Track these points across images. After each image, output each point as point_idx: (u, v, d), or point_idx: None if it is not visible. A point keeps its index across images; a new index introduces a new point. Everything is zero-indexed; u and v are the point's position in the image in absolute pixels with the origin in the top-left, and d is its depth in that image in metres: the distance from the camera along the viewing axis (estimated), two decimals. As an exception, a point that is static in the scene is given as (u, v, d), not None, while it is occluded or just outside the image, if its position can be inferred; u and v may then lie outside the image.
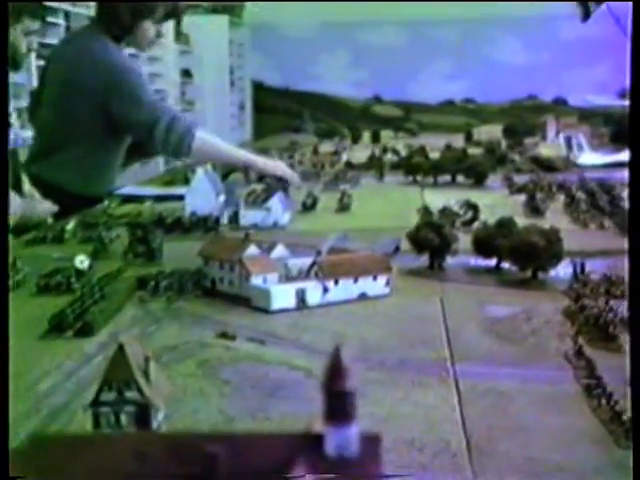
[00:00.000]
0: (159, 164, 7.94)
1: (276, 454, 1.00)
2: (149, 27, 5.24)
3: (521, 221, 3.53)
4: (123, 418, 1.31)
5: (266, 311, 2.77)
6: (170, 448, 1.01)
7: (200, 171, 4.43)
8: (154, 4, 5.07)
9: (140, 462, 1.00)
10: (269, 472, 0.98)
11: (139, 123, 4.85)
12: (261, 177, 5.48)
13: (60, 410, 2.03)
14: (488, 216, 3.79)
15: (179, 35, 10.98)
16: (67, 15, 8.91)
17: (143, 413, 1.31)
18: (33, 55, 5.95)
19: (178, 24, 10.54)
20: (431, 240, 3.31)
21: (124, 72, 4.98)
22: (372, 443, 1.02)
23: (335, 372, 1.03)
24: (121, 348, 1.36)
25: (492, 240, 3.30)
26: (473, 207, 4.05)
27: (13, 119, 5.21)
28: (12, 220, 4.64)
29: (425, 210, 3.89)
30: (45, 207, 4.87)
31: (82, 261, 3.20)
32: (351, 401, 1.03)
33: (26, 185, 5.04)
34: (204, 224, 4.09)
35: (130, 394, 1.33)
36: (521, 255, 3.14)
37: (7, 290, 1.16)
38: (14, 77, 5.41)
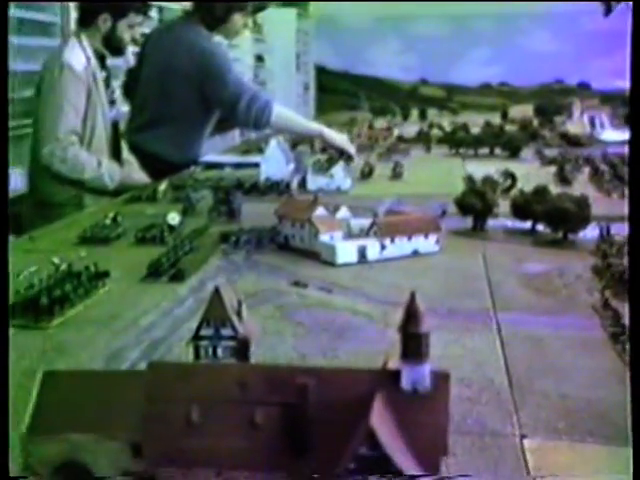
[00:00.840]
0: (235, 136, 7.93)
1: (358, 387, 0.99)
2: (239, 19, 5.32)
3: (552, 189, 3.48)
4: (219, 352, 1.32)
5: (332, 264, 2.77)
6: (267, 379, 1.02)
7: (273, 142, 4.42)
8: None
9: (241, 390, 1.00)
10: (352, 403, 0.98)
11: (225, 100, 4.94)
12: (324, 148, 5.49)
13: (159, 343, 2.05)
14: (524, 184, 3.75)
15: (254, 25, 11.05)
16: (160, 10, 8.96)
17: (237, 348, 1.31)
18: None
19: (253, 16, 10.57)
20: (475, 205, 3.29)
21: (215, 57, 5.09)
22: (442, 380, 1.02)
23: (411, 316, 1.03)
24: (217, 291, 1.36)
25: (528, 205, 3.27)
26: (511, 176, 4.01)
27: (116, 95, 5.24)
28: (111, 184, 4.69)
29: (469, 179, 3.84)
30: (140, 176, 4.92)
31: (174, 218, 3.21)
32: (425, 342, 1.02)
33: (124, 152, 5.08)
34: (277, 188, 4.08)
35: (225, 331, 1.33)
36: (554, 219, 3.12)
37: (7, 289, 1.11)
38: (115, 61, 5.47)
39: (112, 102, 5.07)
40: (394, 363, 1.05)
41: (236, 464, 0.96)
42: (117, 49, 5.07)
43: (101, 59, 4.99)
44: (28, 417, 1.29)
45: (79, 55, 4.77)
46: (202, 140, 5.59)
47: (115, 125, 5.10)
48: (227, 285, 1.40)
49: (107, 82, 5.04)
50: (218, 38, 5.59)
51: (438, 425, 0.98)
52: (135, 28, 5.07)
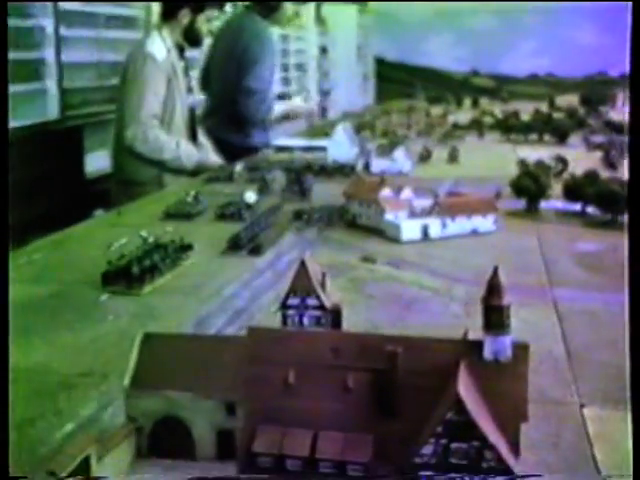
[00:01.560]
0: (302, 121, 7.93)
1: (443, 356, 0.98)
2: (288, 8, 5.49)
3: (600, 174, 3.43)
4: (305, 320, 1.31)
5: (397, 241, 2.75)
6: (358, 345, 1.01)
7: (340, 127, 4.39)
8: None
9: (335, 355, 0.99)
10: (438, 371, 0.96)
11: (242, 85, 5.45)
12: (385, 132, 5.47)
13: (241, 311, 2.05)
14: (573, 168, 3.70)
15: (319, 20, 11.05)
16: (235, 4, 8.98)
17: (330, 316, 1.30)
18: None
19: (318, 11, 10.62)
20: (529, 187, 3.25)
21: (258, 44, 5.32)
22: (522, 350, 1.00)
23: (493, 289, 1.01)
24: (303, 263, 1.35)
25: (579, 188, 3.22)
26: (563, 160, 3.95)
27: (193, 84, 5.28)
28: (189, 164, 4.73)
29: (523, 163, 3.79)
30: (215, 159, 4.96)
31: (250, 196, 3.21)
32: (506, 314, 1.00)
33: (200, 136, 5.13)
34: (343, 170, 4.06)
35: (311, 301, 1.32)
36: (604, 201, 3.06)
37: (7, 288, 1.08)
38: (192, 52, 5.56)
39: (189, 90, 5.10)
40: (474, 334, 1.04)
41: (329, 425, 0.95)
42: (195, 41, 5.10)
43: (180, 50, 5.01)
44: (129, 373, 1.30)
45: (160, 46, 4.81)
46: (259, 124, 5.71)
47: (192, 111, 5.13)
48: (312, 258, 1.39)
49: (185, 71, 5.06)
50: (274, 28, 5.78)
51: (518, 393, 0.96)
52: (212, 21, 5.12)
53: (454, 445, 0.91)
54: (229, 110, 5.51)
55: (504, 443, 0.89)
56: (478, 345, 0.99)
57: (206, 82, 5.76)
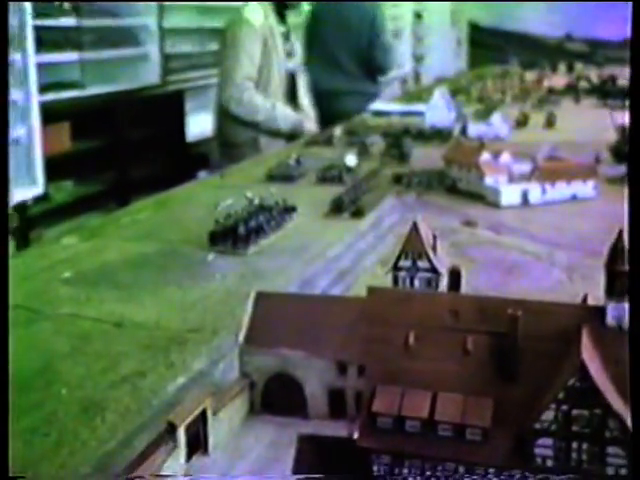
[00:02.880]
0: (396, 87, 7.88)
1: (564, 321, 0.95)
2: None
3: None
4: (416, 282, 1.29)
5: (497, 206, 2.70)
6: (478, 308, 0.98)
7: (437, 92, 4.32)
8: None
9: (454, 318, 0.97)
10: (559, 336, 0.93)
11: (376, 48, 6.18)
12: (481, 98, 5.39)
13: (345, 273, 2.04)
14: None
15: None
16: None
17: (433, 279, 1.28)
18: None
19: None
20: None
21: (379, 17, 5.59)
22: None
23: (617, 254, 0.96)
24: (415, 225, 1.33)
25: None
26: (664, 126, 3.80)
27: (296, 48, 5.28)
28: (284, 127, 4.75)
29: (622, 128, 3.67)
30: (311, 125, 4.99)
31: (351, 159, 3.19)
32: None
33: (304, 101, 5.14)
34: (440, 134, 4.00)
35: (422, 263, 1.30)
36: None
37: (7, 289, 1.05)
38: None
39: (289, 55, 5.08)
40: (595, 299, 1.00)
41: (448, 388, 0.93)
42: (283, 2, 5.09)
43: (280, 16, 5.00)
44: (243, 330, 1.30)
45: (257, 11, 4.83)
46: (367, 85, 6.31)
47: (292, 76, 5.12)
48: (423, 221, 1.37)
49: (287, 36, 5.05)
50: None
51: (642, 361, 0.92)
52: None
53: (575, 412, 0.88)
54: (366, 65, 6.32)
55: (627, 413, 0.86)
56: (600, 310, 0.95)
57: (312, 47, 6.04)
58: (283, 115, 4.82)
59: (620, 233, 0.95)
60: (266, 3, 4.90)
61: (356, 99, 5.94)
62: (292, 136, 4.77)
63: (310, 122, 5.03)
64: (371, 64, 6.30)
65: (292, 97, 5.08)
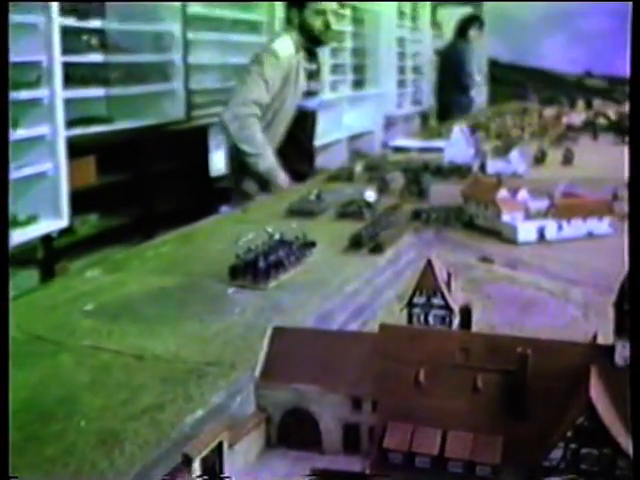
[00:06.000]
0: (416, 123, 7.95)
1: (573, 359, 0.95)
2: None
3: None
4: (430, 319, 1.30)
5: (514, 243, 2.71)
6: (488, 346, 0.99)
7: (456, 128, 4.35)
8: None
9: (465, 355, 0.98)
10: (568, 374, 0.94)
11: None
12: (499, 134, 5.40)
13: (363, 308, 2.05)
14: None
15: (434, 23, 11.02)
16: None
17: (446, 316, 1.29)
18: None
19: (434, 14, 10.62)
20: (647, 190, 3.13)
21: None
22: (655, 357, 0.96)
23: (625, 293, 0.97)
24: (429, 262, 1.34)
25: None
26: (682, 164, 3.79)
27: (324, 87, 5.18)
28: (262, 168, 4.59)
29: (640, 165, 3.66)
30: (282, 181, 4.74)
31: (370, 195, 3.21)
32: (639, 321, 0.97)
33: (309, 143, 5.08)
34: (459, 171, 4.01)
35: (436, 300, 1.31)
36: None
37: (7, 289, 1.05)
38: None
39: (309, 93, 5.01)
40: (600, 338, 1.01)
41: (458, 425, 0.94)
42: (314, 38, 5.00)
43: (310, 53, 4.98)
44: (260, 365, 1.31)
45: (287, 45, 4.78)
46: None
47: (306, 114, 5.04)
48: (438, 257, 1.38)
49: (312, 75, 5.00)
50: None
51: (651, 401, 0.92)
52: (327, 15, 4.96)
53: (584, 450, 0.88)
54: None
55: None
56: (609, 349, 0.95)
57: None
58: (267, 154, 4.62)
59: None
60: (295, 38, 4.86)
61: None
62: (260, 178, 4.64)
63: (284, 180, 4.66)
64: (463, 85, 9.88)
65: (299, 133, 4.99)
